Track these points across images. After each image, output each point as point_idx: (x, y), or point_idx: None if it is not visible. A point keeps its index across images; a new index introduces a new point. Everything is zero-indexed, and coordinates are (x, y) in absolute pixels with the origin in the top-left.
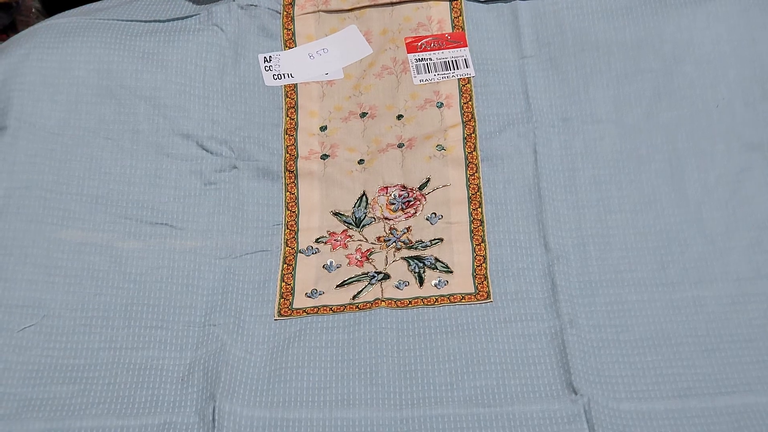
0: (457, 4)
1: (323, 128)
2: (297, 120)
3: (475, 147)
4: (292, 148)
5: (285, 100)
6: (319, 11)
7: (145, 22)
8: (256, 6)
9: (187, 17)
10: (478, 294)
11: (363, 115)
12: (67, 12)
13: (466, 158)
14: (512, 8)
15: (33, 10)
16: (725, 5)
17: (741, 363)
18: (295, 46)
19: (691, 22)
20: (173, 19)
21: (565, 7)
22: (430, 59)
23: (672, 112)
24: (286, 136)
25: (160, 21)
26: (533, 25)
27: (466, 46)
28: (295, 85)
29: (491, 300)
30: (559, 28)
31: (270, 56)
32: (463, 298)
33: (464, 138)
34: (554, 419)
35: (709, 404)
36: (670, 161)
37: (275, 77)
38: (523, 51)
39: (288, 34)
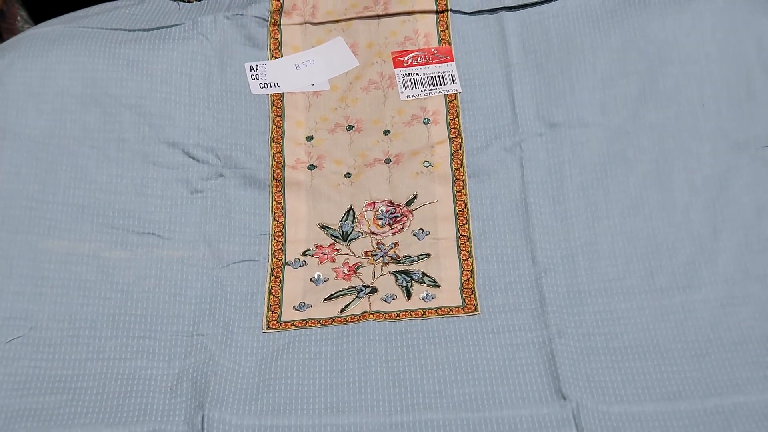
0: (443, 16)
1: (309, 138)
2: (284, 128)
3: (462, 163)
4: (279, 156)
5: (271, 108)
6: (306, 23)
7: (130, 30)
8: (242, 15)
9: (172, 26)
10: (465, 307)
11: (350, 128)
12: (51, 21)
13: (453, 174)
14: (498, 19)
15: (18, 18)
16: (709, 5)
17: (731, 366)
18: (282, 56)
19: (676, 23)
20: (158, 28)
21: (551, 15)
22: (417, 74)
23: (658, 114)
24: (273, 144)
25: (144, 30)
26: (519, 34)
27: (453, 60)
28: (282, 95)
29: (479, 312)
30: (545, 35)
31: (256, 65)
32: (451, 310)
33: (451, 154)
34: (543, 424)
35: (699, 406)
36: (657, 163)
37: (261, 86)
38: (510, 59)
39: (275, 44)
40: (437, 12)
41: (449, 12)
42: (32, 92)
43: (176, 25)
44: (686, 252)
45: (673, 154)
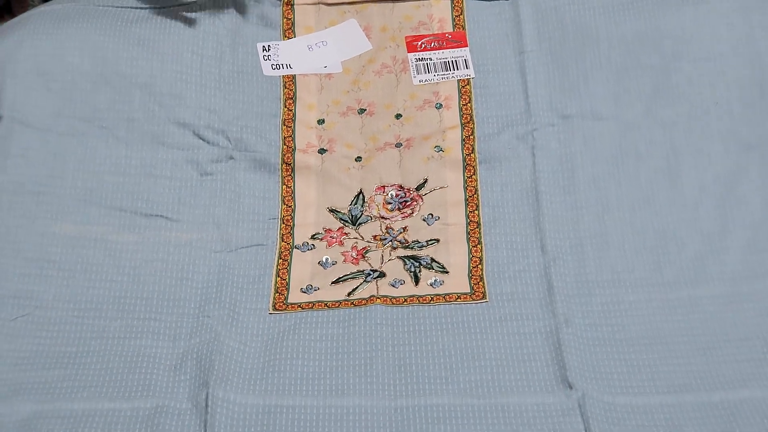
0: (458, 2)
1: (321, 122)
2: (295, 111)
3: (473, 149)
4: (290, 139)
5: (283, 90)
6: (319, 3)
7: (141, 8)
8: None
9: (183, 4)
10: (473, 294)
11: (361, 111)
12: None
13: (464, 160)
14: (513, 5)
15: None
16: (725, 3)
17: (736, 361)
18: (294, 36)
19: (692, 19)
20: (169, 6)
21: (567, 2)
22: (430, 59)
23: (670, 110)
24: (284, 127)
25: (155, 7)
26: (534, 21)
27: (467, 46)
28: (294, 76)
29: (487, 300)
30: (560, 23)
31: (269, 45)
32: (459, 297)
33: (462, 140)
34: (549, 412)
35: (705, 399)
36: (668, 159)
37: (274, 67)
38: (524, 46)
39: (287, 24)
40: None
41: None
42: (42, 71)
43: (188, 2)
44: (694, 247)
45: (685, 151)
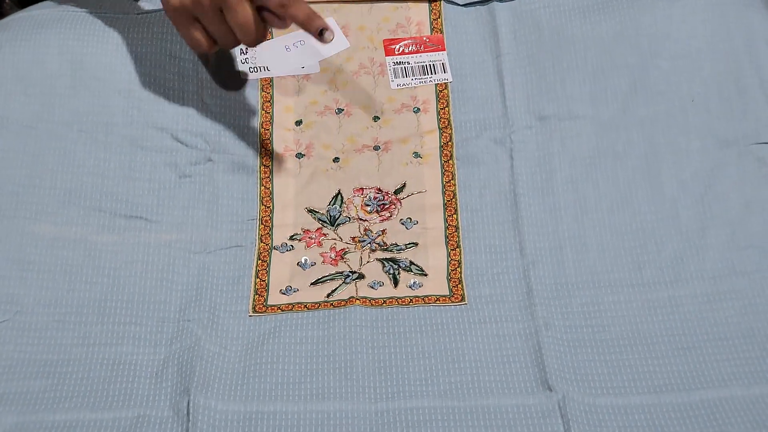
0: (436, 5)
1: (299, 123)
2: (272, 114)
3: (451, 154)
4: (268, 142)
5: (261, 93)
6: None
7: (121, 14)
8: None
9: (160, 10)
10: (452, 296)
11: (339, 111)
12: (40, 3)
13: (442, 165)
14: (490, 9)
15: (6, 1)
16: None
17: (716, 360)
18: (272, 36)
19: (667, 16)
20: (146, 12)
21: (542, 6)
22: (408, 63)
23: (648, 108)
24: (262, 130)
25: (135, 14)
26: (510, 24)
27: (444, 50)
28: (271, 79)
29: (465, 302)
30: (536, 26)
31: (246, 48)
32: (438, 299)
33: (440, 145)
34: (529, 413)
35: (685, 399)
36: (647, 157)
37: (251, 70)
38: (501, 49)
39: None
40: (430, 0)
41: (442, 1)
42: (21, 76)
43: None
44: (674, 247)
45: (663, 149)
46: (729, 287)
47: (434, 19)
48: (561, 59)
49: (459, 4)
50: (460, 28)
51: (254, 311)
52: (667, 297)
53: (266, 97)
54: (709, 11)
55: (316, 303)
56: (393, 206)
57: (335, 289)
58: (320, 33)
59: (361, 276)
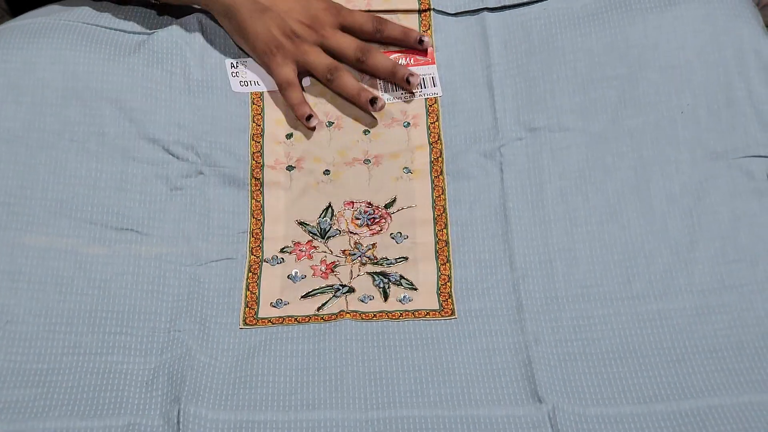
0: (426, 16)
1: (289, 135)
2: (263, 127)
3: (441, 170)
4: (258, 155)
5: (251, 107)
6: None
7: (113, 30)
8: None
9: (153, 32)
10: (442, 311)
11: (329, 124)
12: (31, 12)
13: (432, 180)
14: (480, 19)
15: None
16: (690, 10)
17: (705, 372)
18: None
19: (657, 28)
20: (138, 33)
21: (533, 17)
22: None
23: (638, 119)
24: (253, 143)
25: (126, 32)
26: (501, 35)
27: (434, 63)
28: (262, 93)
29: (455, 317)
30: (526, 36)
31: (237, 62)
32: (428, 314)
33: (431, 159)
34: (519, 424)
35: (674, 407)
36: (636, 170)
37: (242, 83)
38: (491, 61)
39: None
40: (420, 11)
41: (432, 11)
42: (12, 84)
43: (155, 31)
44: (663, 260)
45: (652, 161)
46: (718, 301)
47: (424, 31)
48: (551, 69)
49: (449, 14)
50: (451, 39)
51: (245, 324)
52: (656, 310)
53: (257, 110)
54: (699, 23)
55: (306, 316)
56: (383, 220)
57: (325, 302)
58: (419, 41)
59: (352, 290)
